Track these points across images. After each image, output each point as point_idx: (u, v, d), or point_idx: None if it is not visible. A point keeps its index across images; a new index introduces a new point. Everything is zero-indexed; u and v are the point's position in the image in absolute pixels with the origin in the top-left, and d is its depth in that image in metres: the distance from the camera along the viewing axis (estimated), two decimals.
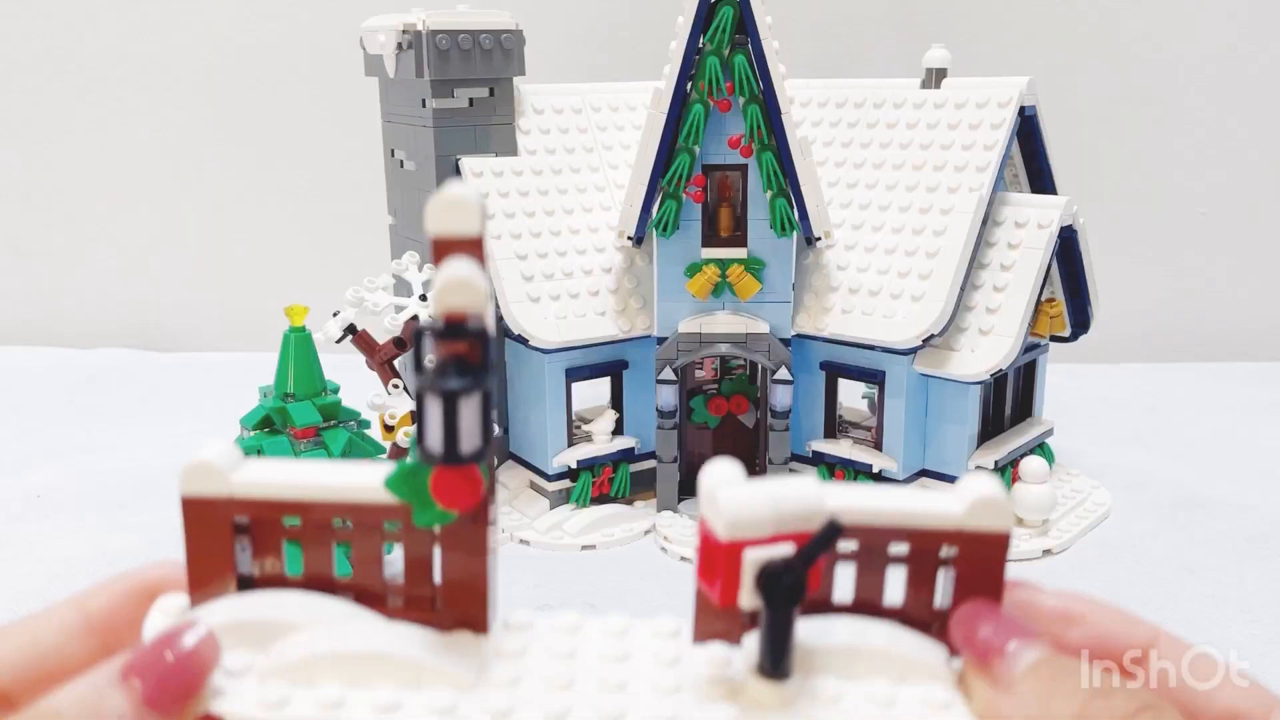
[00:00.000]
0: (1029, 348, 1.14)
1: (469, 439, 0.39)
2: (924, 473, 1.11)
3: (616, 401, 1.17)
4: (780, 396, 1.07)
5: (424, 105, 1.09)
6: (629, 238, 1.10)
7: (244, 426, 0.90)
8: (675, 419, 1.10)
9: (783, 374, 1.07)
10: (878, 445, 1.11)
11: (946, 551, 0.43)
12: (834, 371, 1.13)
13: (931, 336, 1.04)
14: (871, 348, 1.08)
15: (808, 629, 0.42)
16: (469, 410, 0.39)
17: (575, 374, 1.13)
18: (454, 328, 0.39)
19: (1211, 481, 1.22)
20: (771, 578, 0.39)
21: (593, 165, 1.19)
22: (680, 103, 1.03)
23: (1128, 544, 1.06)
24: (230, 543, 0.43)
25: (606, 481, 1.15)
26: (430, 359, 0.39)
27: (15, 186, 1.89)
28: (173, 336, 1.89)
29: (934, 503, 0.42)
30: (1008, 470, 1.11)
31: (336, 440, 0.89)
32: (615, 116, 1.24)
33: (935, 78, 1.14)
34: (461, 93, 1.10)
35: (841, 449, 1.12)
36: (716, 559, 0.39)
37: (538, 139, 1.17)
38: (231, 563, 0.43)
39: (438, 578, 0.44)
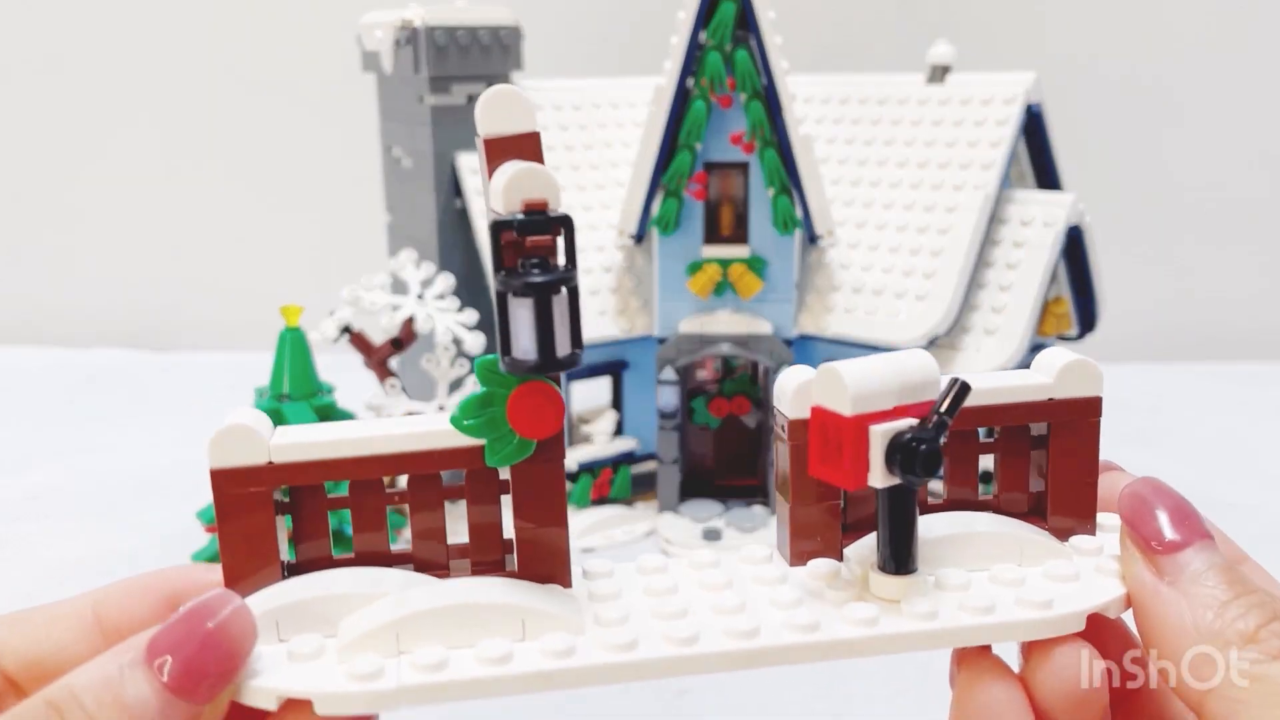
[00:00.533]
0: (1035, 347, 1.13)
1: (563, 341, 0.36)
2: None
3: (617, 402, 1.15)
4: None
5: (421, 102, 1.08)
6: (630, 236, 1.09)
7: None
8: (676, 420, 1.09)
9: None
10: None
11: (1036, 429, 0.42)
12: None
13: (936, 336, 1.03)
14: (875, 348, 1.06)
15: (926, 524, 0.40)
16: (560, 309, 0.36)
17: (575, 374, 1.11)
18: (536, 217, 0.36)
19: (1217, 482, 1.20)
20: (907, 448, 0.36)
21: (592, 163, 1.18)
22: (681, 99, 1.02)
23: None
24: (272, 520, 0.38)
25: (607, 483, 1.13)
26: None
27: (14, 186, 1.88)
28: (170, 336, 1.88)
29: (1021, 377, 0.42)
30: None
31: None
32: (615, 113, 1.22)
33: (940, 74, 1.12)
34: (459, 89, 1.08)
35: None
36: (843, 439, 0.37)
37: None
38: (274, 545, 0.38)
39: (507, 532, 0.40)
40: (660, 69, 1.02)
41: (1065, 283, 1.13)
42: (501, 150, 0.37)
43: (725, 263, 1.06)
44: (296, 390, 0.88)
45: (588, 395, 1.17)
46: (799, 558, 0.41)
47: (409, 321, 1.02)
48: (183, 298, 1.89)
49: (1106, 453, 1.28)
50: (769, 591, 0.40)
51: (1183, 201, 1.74)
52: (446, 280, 1.04)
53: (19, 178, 1.88)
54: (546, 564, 0.40)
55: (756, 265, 1.06)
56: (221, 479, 0.37)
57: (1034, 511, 0.43)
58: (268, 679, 0.36)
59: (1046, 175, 1.13)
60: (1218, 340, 1.77)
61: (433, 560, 0.40)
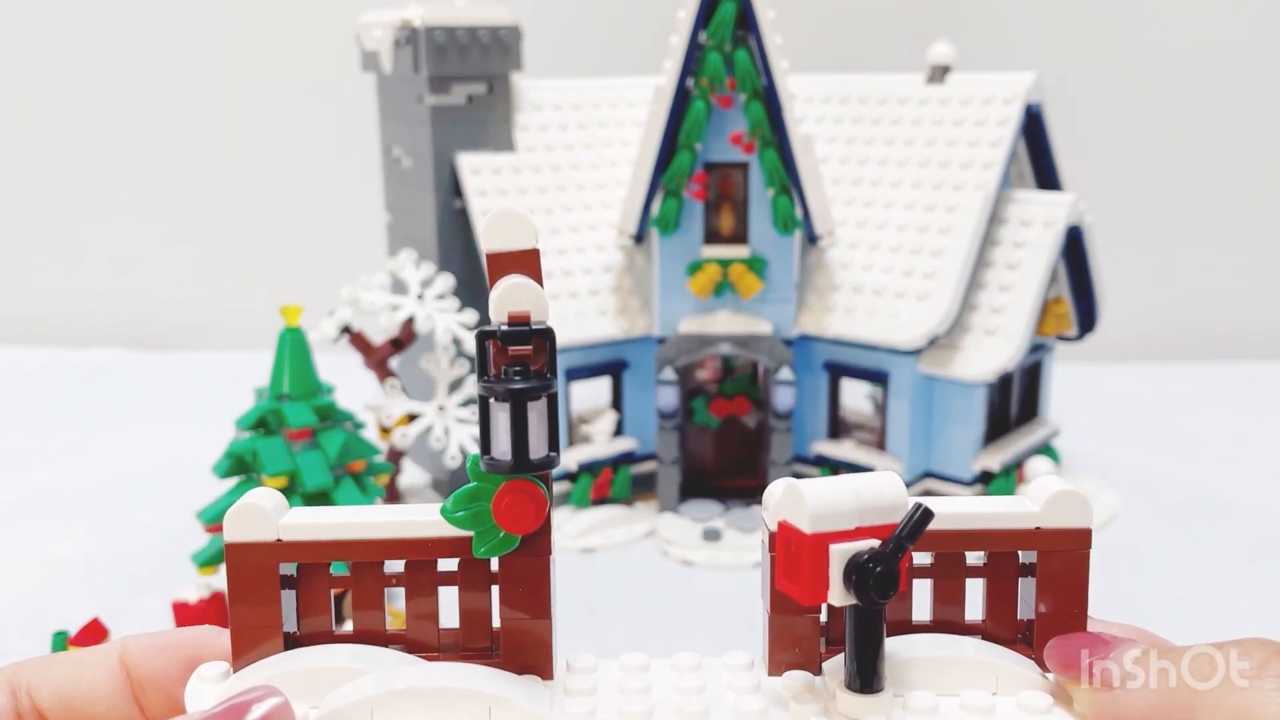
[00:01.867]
0: (1035, 348, 1.12)
1: (538, 445, 0.38)
2: (928, 474, 1.10)
3: (616, 402, 1.15)
4: (782, 397, 1.06)
5: (421, 102, 1.07)
6: (629, 236, 1.09)
7: (239, 427, 0.89)
8: (676, 420, 1.09)
9: (785, 374, 1.06)
10: (881, 447, 1.10)
11: (1025, 557, 0.42)
12: (837, 372, 1.11)
13: (936, 337, 1.03)
14: (875, 348, 1.06)
15: (893, 646, 0.41)
16: (536, 415, 0.38)
17: (575, 374, 1.11)
18: (518, 329, 0.38)
19: (1220, 482, 1.20)
20: (862, 569, 0.38)
21: (592, 162, 1.18)
22: (681, 99, 1.02)
23: (1135, 546, 1.05)
24: (277, 593, 0.41)
25: (606, 483, 1.13)
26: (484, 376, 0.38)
27: (10, 185, 1.88)
28: (168, 336, 1.88)
29: (1008, 504, 0.42)
30: (1013, 471, 1.10)
31: (332, 441, 0.88)
32: (615, 113, 1.22)
33: (940, 74, 1.12)
34: (459, 89, 1.08)
35: (845, 450, 1.11)
36: (802, 556, 0.38)
37: (536, 136, 1.15)
38: (278, 616, 0.41)
39: (496, 622, 0.42)
40: (660, 69, 1.02)
41: (1065, 283, 1.13)
42: (501, 265, 0.40)
43: (725, 263, 1.06)
44: (296, 390, 0.88)
45: (588, 395, 1.17)
46: (776, 668, 0.42)
47: (409, 321, 1.02)
48: (182, 298, 1.89)
49: (1106, 452, 1.28)
50: (737, 700, 0.41)
51: (1183, 201, 1.74)
52: (446, 280, 1.04)
53: (14, 176, 1.88)
54: (529, 654, 0.42)
55: (756, 265, 1.05)
56: (234, 552, 0.40)
57: (1023, 639, 0.43)
58: None
59: (1046, 175, 1.13)
60: (1223, 339, 1.77)
61: (424, 643, 0.43)
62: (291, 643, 0.41)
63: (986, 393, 1.06)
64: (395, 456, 1.09)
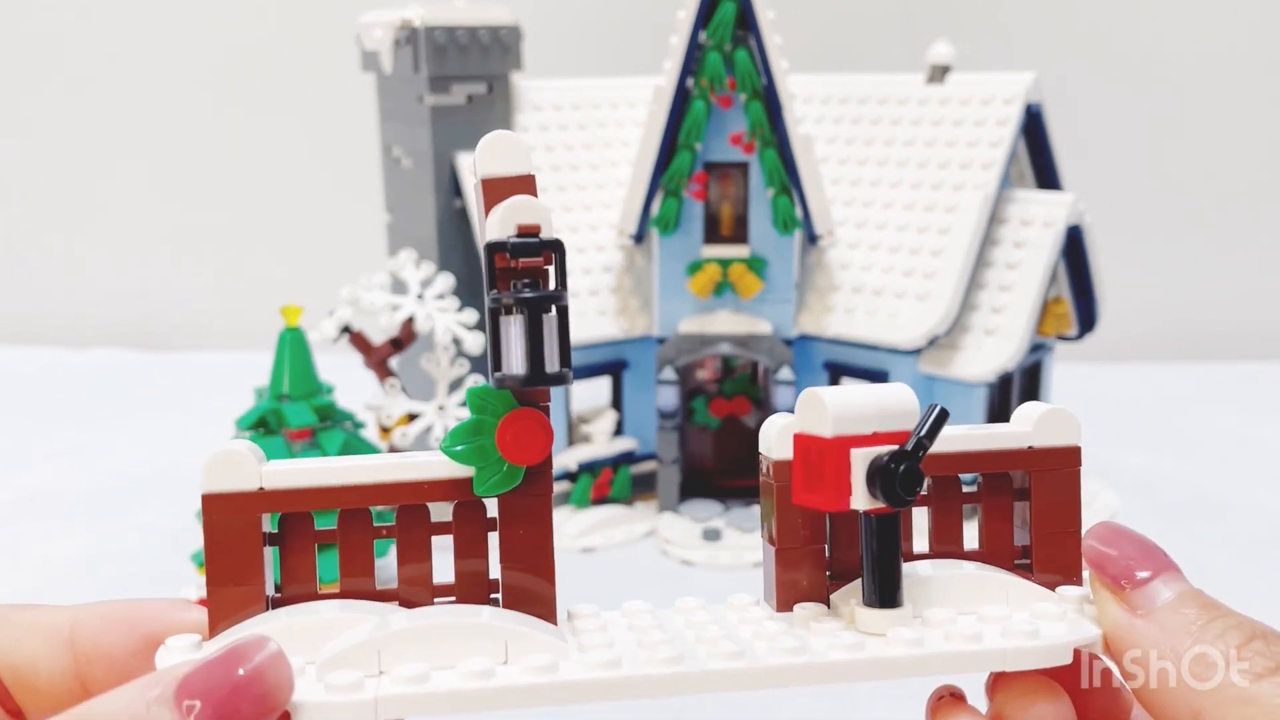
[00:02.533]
0: (1035, 347, 1.12)
1: (551, 358, 0.36)
2: None
3: (616, 402, 1.15)
4: (782, 397, 1.06)
5: (421, 101, 1.08)
6: (629, 236, 1.09)
7: (239, 427, 0.89)
8: (676, 420, 1.09)
9: (785, 374, 1.06)
10: None
11: (1020, 482, 0.43)
12: (837, 372, 1.11)
13: (936, 337, 1.03)
14: (875, 348, 1.06)
15: (911, 571, 0.41)
16: (550, 327, 0.37)
17: (574, 374, 1.11)
18: (528, 240, 0.37)
19: (1220, 482, 1.20)
20: (885, 470, 0.38)
21: (592, 162, 1.18)
22: (681, 99, 1.02)
23: None
24: (259, 549, 0.38)
25: (606, 483, 1.13)
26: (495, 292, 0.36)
27: (10, 185, 1.88)
28: (168, 336, 1.88)
29: (1000, 427, 0.43)
30: None
31: (332, 441, 0.88)
32: (615, 113, 1.22)
33: (940, 74, 1.12)
34: (459, 89, 1.08)
35: None
36: (824, 462, 0.38)
37: (536, 136, 1.15)
38: (260, 575, 0.38)
39: (494, 573, 0.40)
40: (660, 69, 1.02)
41: (1065, 283, 1.13)
42: (499, 190, 0.38)
43: (725, 263, 1.06)
44: (296, 390, 0.88)
45: (588, 395, 1.17)
46: (785, 604, 0.41)
47: (409, 321, 1.02)
48: (182, 298, 1.89)
49: (1106, 452, 1.28)
50: (754, 627, 0.41)
51: (1182, 201, 1.74)
52: (446, 280, 1.04)
53: (14, 176, 1.88)
54: (532, 601, 0.40)
55: (756, 265, 1.05)
56: (212, 503, 0.38)
57: (1021, 565, 0.43)
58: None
59: (1046, 175, 1.13)
60: (1222, 339, 1.77)
61: (417, 599, 0.40)
62: (272, 604, 0.39)
63: (986, 392, 1.05)
64: None
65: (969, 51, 1.19)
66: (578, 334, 1.08)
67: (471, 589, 0.40)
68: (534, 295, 0.36)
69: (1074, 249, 1.09)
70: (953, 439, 0.41)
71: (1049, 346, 1.17)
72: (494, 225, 0.37)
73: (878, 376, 1.08)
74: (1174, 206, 1.74)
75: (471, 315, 1.03)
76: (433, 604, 0.40)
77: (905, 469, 0.38)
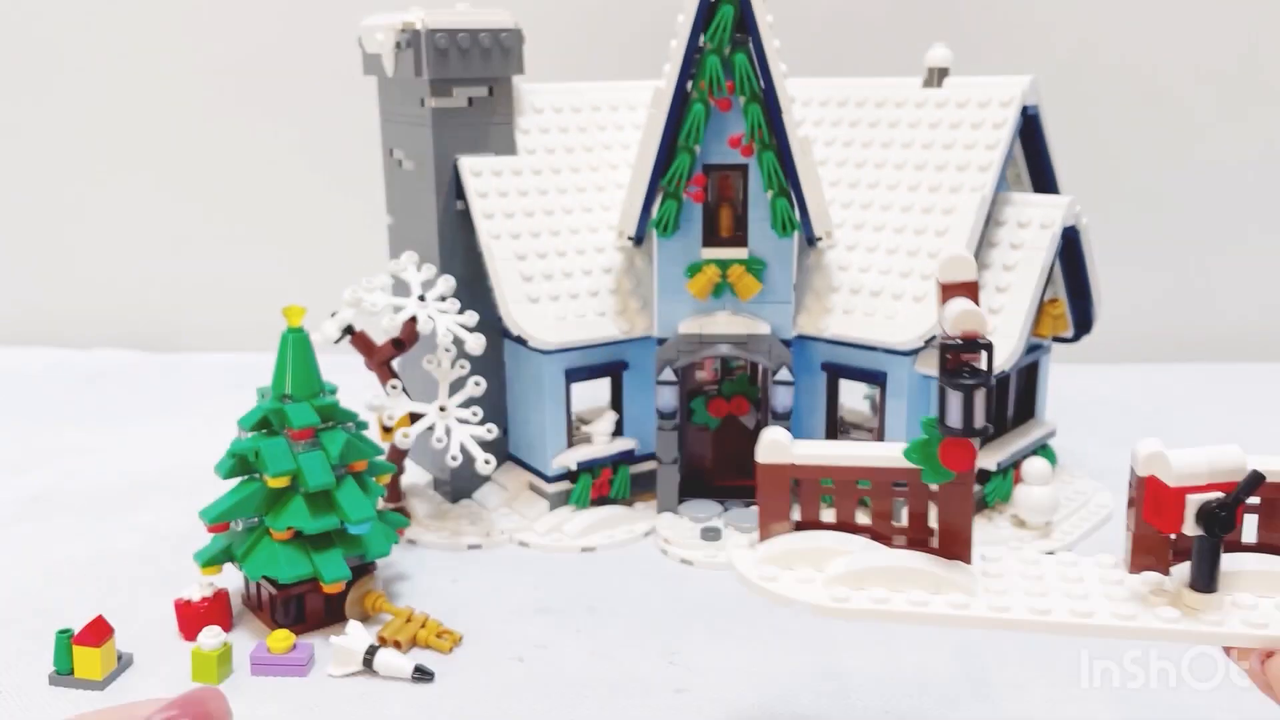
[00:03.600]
0: (1031, 348, 1.13)
1: (979, 419, 0.58)
2: None
3: (616, 402, 1.16)
4: (781, 397, 1.07)
5: (422, 104, 1.08)
6: (629, 238, 1.10)
7: (242, 427, 0.90)
8: (675, 420, 1.10)
9: (784, 375, 1.06)
10: None
11: None
12: (835, 372, 1.12)
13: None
14: (873, 349, 1.07)
15: (1226, 561, 0.59)
16: (979, 399, 0.58)
17: (575, 375, 1.12)
18: (970, 343, 0.58)
19: None
20: (1210, 513, 0.56)
21: (592, 165, 1.19)
22: (680, 102, 1.02)
23: None
24: (789, 497, 0.64)
25: (606, 483, 1.14)
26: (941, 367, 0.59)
27: (13, 185, 1.89)
28: (171, 337, 1.89)
29: None
30: (1010, 472, 1.11)
31: (334, 441, 0.88)
32: (615, 116, 1.23)
33: (937, 77, 1.13)
34: (460, 92, 1.09)
35: None
36: (1166, 502, 0.57)
37: (537, 138, 1.16)
38: (788, 511, 0.65)
39: (933, 523, 0.64)
40: (659, 72, 1.03)
41: (1062, 284, 1.14)
42: (952, 291, 0.59)
43: (724, 264, 1.06)
44: (299, 391, 0.89)
45: (588, 395, 1.18)
46: (1136, 569, 0.62)
47: (411, 321, 1.03)
48: (185, 298, 1.90)
49: (1103, 452, 1.29)
50: (1108, 587, 0.60)
51: (1179, 203, 1.74)
52: (447, 282, 1.05)
53: (19, 178, 1.88)
54: (956, 546, 0.63)
55: (755, 267, 1.06)
56: (764, 470, 0.64)
57: None
58: (780, 588, 0.62)
59: (1043, 177, 1.14)
60: (1219, 340, 1.77)
61: (884, 534, 0.65)
62: (796, 527, 0.65)
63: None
64: (397, 456, 1.09)
65: (966, 55, 1.20)
66: (579, 334, 1.09)
67: (919, 533, 0.64)
68: (972, 383, 0.57)
69: (1070, 251, 1.10)
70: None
71: (1046, 347, 1.18)
72: (948, 322, 0.58)
73: (875, 377, 1.09)
74: (1171, 208, 1.75)
75: (472, 317, 1.04)
76: (892, 540, 0.64)
77: (1223, 517, 0.56)
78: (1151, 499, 0.58)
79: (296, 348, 0.89)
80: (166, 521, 1.13)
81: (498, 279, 1.07)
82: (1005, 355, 1.02)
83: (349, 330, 1.05)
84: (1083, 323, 1.17)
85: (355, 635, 0.85)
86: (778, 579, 0.63)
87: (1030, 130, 1.10)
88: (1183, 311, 1.78)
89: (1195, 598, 0.58)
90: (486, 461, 1.01)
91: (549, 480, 1.13)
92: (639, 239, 1.10)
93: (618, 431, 1.16)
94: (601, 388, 1.17)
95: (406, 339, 1.04)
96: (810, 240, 1.09)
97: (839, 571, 0.61)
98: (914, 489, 0.64)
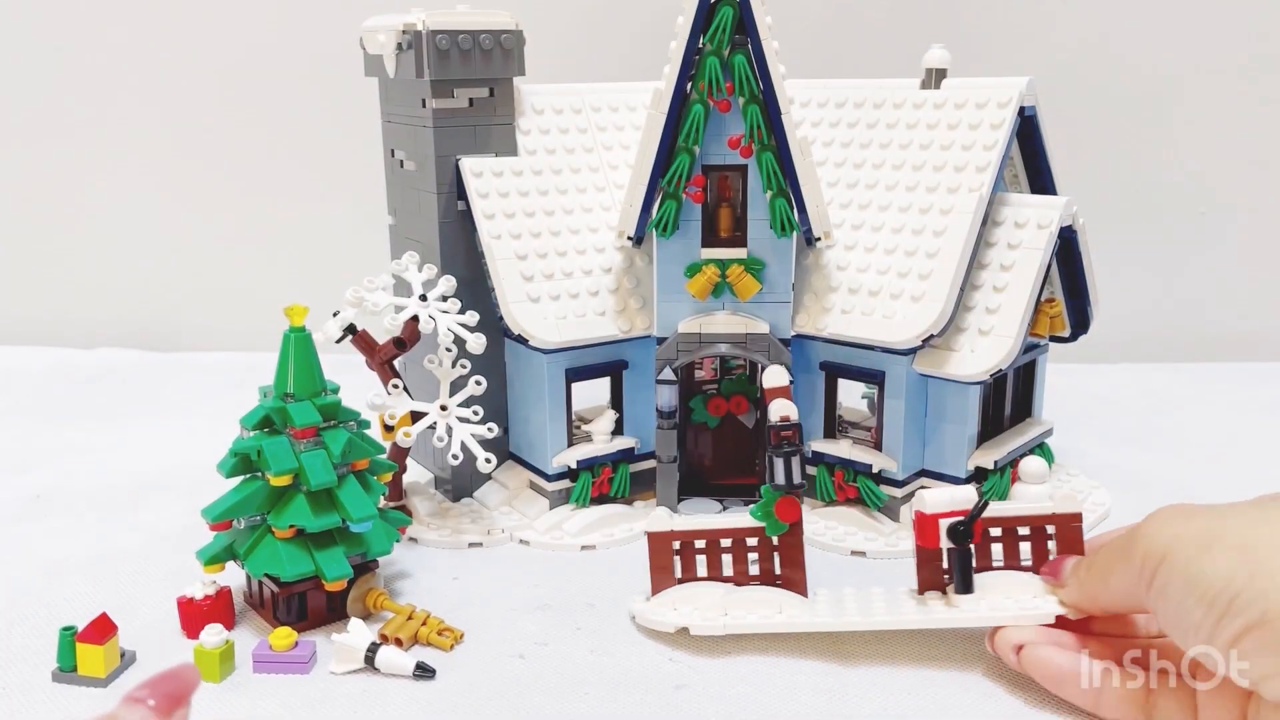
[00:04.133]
0: (1028, 348, 1.14)
1: (797, 477, 0.86)
2: (923, 473, 1.11)
3: (616, 401, 1.17)
4: None
5: (424, 105, 1.09)
6: (629, 238, 1.10)
7: (244, 426, 0.90)
8: (675, 419, 1.10)
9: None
10: (877, 445, 1.11)
11: (1049, 529, 0.86)
12: (833, 372, 1.13)
13: (931, 337, 1.04)
14: (871, 348, 1.08)
15: (981, 578, 0.85)
16: (795, 463, 0.85)
17: (575, 374, 1.13)
18: (787, 424, 0.86)
19: (1212, 482, 1.22)
20: (954, 529, 0.83)
21: (593, 165, 1.19)
22: (680, 103, 1.03)
23: None
24: (673, 557, 0.90)
25: (606, 481, 1.15)
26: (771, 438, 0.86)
27: (15, 186, 1.89)
28: (173, 336, 1.89)
29: (1036, 505, 0.87)
30: (1007, 470, 1.11)
31: (336, 440, 0.89)
32: (615, 116, 1.23)
33: (935, 78, 1.14)
34: (461, 93, 1.10)
35: (841, 449, 1.12)
36: (927, 525, 0.84)
37: (538, 139, 1.17)
38: (672, 569, 0.90)
39: (777, 568, 0.89)
40: (659, 73, 1.04)
41: (1059, 284, 1.15)
42: (773, 394, 0.88)
43: (723, 264, 1.07)
44: (301, 390, 0.89)
45: (588, 395, 1.18)
46: (922, 585, 0.87)
47: (412, 321, 1.03)
48: (187, 298, 1.90)
49: (1099, 451, 1.29)
50: (897, 601, 0.87)
51: (1178, 203, 1.75)
52: (448, 282, 1.05)
53: (20, 177, 1.89)
54: (794, 583, 0.88)
55: (754, 267, 1.07)
56: (652, 537, 0.89)
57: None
58: (670, 621, 0.87)
59: (1040, 178, 1.14)
60: (1215, 340, 1.78)
61: (741, 581, 0.89)
62: (679, 581, 0.89)
63: (981, 392, 1.07)
64: (398, 455, 1.10)
65: (964, 56, 1.20)
66: (579, 334, 1.09)
67: (767, 575, 0.88)
68: (788, 450, 0.85)
69: (1067, 251, 1.10)
70: (1012, 506, 0.87)
71: (1043, 347, 1.19)
72: (772, 413, 0.87)
73: (874, 376, 1.09)
74: (1167, 208, 1.75)
75: (473, 317, 1.04)
76: (748, 581, 0.88)
77: (963, 530, 0.83)
78: (919, 526, 0.84)
79: (298, 347, 0.89)
80: (168, 520, 1.13)
81: (498, 279, 1.08)
82: (1002, 355, 1.02)
83: (351, 329, 1.05)
84: (1080, 322, 1.18)
85: (357, 633, 0.85)
86: (666, 616, 0.87)
87: (1027, 131, 1.11)
88: (1179, 311, 1.79)
89: (959, 599, 0.83)
90: (487, 460, 1.02)
91: (549, 479, 1.14)
92: (639, 239, 1.10)
93: (618, 430, 1.16)
94: (601, 387, 1.17)
95: (408, 338, 1.05)
96: (809, 240, 1.10)
97: (706, 604, 0.87)
98: (761, 544, 0.88)
